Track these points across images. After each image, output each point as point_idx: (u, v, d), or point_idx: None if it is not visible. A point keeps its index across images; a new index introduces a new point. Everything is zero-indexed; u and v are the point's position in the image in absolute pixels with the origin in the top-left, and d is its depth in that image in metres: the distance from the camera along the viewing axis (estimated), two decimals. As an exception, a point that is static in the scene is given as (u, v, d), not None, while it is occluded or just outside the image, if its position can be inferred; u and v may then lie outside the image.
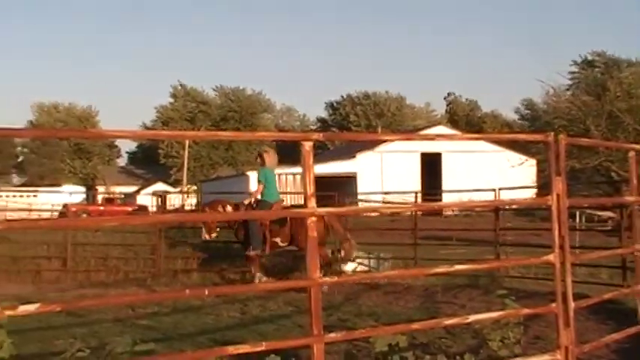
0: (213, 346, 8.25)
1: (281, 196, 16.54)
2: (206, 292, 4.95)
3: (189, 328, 10.32)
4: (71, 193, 56.18)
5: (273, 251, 15.59)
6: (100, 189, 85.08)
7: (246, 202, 15.31)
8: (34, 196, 59.28)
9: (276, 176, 15.47)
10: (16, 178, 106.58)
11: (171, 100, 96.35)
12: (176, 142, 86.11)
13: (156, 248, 17.87)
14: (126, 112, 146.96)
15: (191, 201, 64.62)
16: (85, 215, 43.74)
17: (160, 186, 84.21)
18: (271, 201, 14.86)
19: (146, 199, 65.93)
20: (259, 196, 14.95)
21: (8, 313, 4.06)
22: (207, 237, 15.86)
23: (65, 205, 46.20)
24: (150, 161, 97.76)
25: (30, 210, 36.70)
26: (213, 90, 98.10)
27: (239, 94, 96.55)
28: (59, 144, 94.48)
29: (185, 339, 9.30)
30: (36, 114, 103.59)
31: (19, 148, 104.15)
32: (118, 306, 11.45)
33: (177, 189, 79.43)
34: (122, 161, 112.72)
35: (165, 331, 10.00)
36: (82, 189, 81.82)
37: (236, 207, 15.39)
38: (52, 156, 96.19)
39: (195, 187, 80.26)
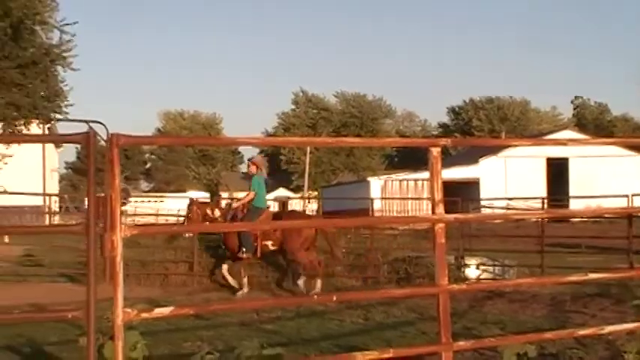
0: (338, 351, 8.29)
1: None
2: (334, 298, 4.98)
3: (312, 333, 10.39)
4: (197, 199, 57.69)
5: (264, 254, 16.04)
6: (224, 194, 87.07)
7: (235, 205, 16.02)
8: (161, 201, 61.01)
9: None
10: (144, 184, 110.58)
11: (293, 106, 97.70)
12: (297, 148, 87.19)
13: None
14: (248, 119, 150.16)
15: (312, 207, 65.27)
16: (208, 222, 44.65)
17: (281, 192, 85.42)
18: (262, 207, 15.69)
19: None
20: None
21: (144, 315, 4.21)
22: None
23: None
24: (271, 167, 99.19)
25: (157, 215, 37.73)
26: (334, 96, 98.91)
27: (360, 100, 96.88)
28: (185, 151, 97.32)
29: (309, 344, 9.37)
30: (163, 121, 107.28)
31: (147, 155, 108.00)
32: (243, 310, 11.65)
33: (299, 195, 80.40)
34: (244, 167, 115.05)
35: (289, 335, 10.11)
36: (206, 194, 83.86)
37: (229, 211, 16.00)
38: (178, 162, 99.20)
39: (316, 193, 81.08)
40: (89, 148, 4.10)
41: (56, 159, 59.73)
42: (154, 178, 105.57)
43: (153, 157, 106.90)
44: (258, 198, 15.66)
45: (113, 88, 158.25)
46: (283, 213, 16.91)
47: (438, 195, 4.77)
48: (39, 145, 44.44)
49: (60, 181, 69.88)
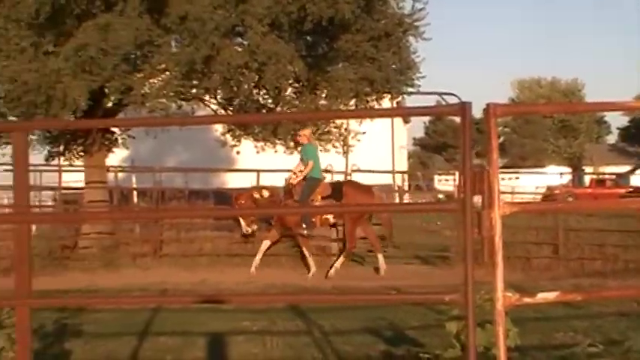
0: None
1: None
2: None
3: None
4: (562, 174, 56.76)
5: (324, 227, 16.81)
6: (587, 169, 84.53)
7: (295, 181, 15.87)
8: (516, 178, 60.86)
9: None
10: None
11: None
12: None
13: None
14: (615, 83, 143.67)
15: None
16: (570, 198, 43.85)
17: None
18: (318, 178, 15.99)
19: (643, 179, 63.86)
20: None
21: (527, 300, 4.22)
22: (247, 230, 16.46)
23: (549, 188, 46.69)
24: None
25: (512, 193, 37.70)
26: None
27: None
28: (542, 122, 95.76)
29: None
30: (516, 91, 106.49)
31: (500, 128, 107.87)
32: (620, 299, 11.21)
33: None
34: (612, 138, 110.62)
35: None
36: (568, 170, 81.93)
37: (285, 191, 16.05)
38: (535, 135, 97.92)
39: None
40: (465, 120, 4.18)
41: (404, 135, 61.87)
42: (507, 153, 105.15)
43: (507, 129, 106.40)
44: (313, 168, 15.89)
45: (459, 58, 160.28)
46: (341, 183, 16.91)
47: None
48: (387, 122, 46.34)
49: (408, 159, 72.16)
